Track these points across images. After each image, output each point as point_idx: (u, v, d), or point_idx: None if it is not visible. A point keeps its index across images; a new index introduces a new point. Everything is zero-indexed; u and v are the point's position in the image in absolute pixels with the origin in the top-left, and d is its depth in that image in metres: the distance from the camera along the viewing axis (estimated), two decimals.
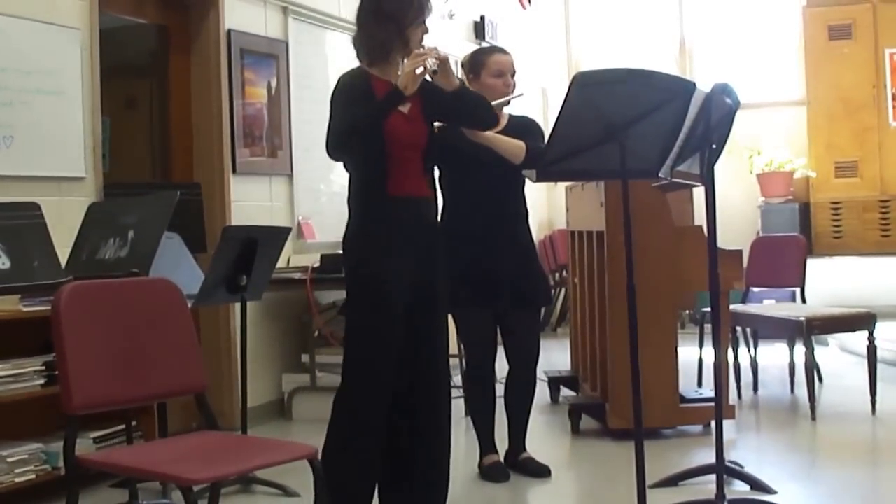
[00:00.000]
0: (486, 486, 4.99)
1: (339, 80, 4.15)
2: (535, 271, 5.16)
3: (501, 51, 5.22)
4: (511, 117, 5.13)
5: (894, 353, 7.77)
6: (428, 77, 3.98)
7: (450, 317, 4.43)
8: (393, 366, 4.00)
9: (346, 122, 3.97)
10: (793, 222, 10.36)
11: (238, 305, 4.96)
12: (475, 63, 5.12)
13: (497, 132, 4.82)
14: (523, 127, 5.03)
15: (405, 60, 4.01)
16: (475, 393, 5.17)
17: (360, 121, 3.93)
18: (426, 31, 4.13)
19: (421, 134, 4.10)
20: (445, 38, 4.37)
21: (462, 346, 5.35)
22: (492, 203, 4.98)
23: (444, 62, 3.97)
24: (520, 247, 5.08)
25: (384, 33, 4.03)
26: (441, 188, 4.97)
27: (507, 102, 5.06)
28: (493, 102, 4.77)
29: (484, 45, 9.53)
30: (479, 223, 4.96)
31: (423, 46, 4.04)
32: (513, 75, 5.09)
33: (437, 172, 4.61)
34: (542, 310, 5.91)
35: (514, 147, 4.83)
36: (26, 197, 4.69)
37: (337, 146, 4.00)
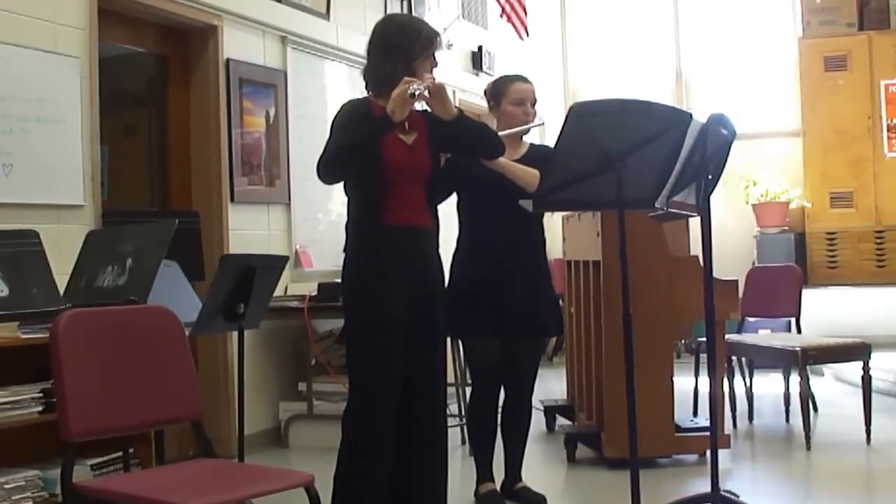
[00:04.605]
0: None
1: (342, 106, 4.19)
2: (547, 301, 5.14)
3: (523, 79, 5.18)
4: (531, 146, 5.14)
5: (889, 382, 7.79)
6: (422, 105, 4.00)
7: (448, 345, 4.44)
8: (395, 386, 4.02)
9: (336, 144, 4.00)
10: (788, 252, 10.38)
11: (236, 333, 4.97)
12: (496, 91, 5.13)
13: (516, 160, 4.83)
14: (543, 156, 4.94)
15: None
16: (478, 420, 5.16)
17: (346, 145, 3.96)
18: (434, 63, 4.16)
19: (423, 165, 4.12)
20: (443, 68, 4.39)
21: (468, 373, 5.36)
22: (509, 229, 4.97)
23: (438, 90, 3.98)
24: (534, 274, 5.05)
25: (391, 65, 4.06)
26: (458, 213, 5.01)
27: (527, 131, 5.07)
28: (511, 131, 4.81)
29: (482, 74, 9.60)
30: (495, 249, 4.95)
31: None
32: (533, 104, 5.10)
33: (455, 197, 4.62)
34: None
35: (529, 176, 4.79)
36: (25, 224, 4.70)
37: (325, 168, 4.02)
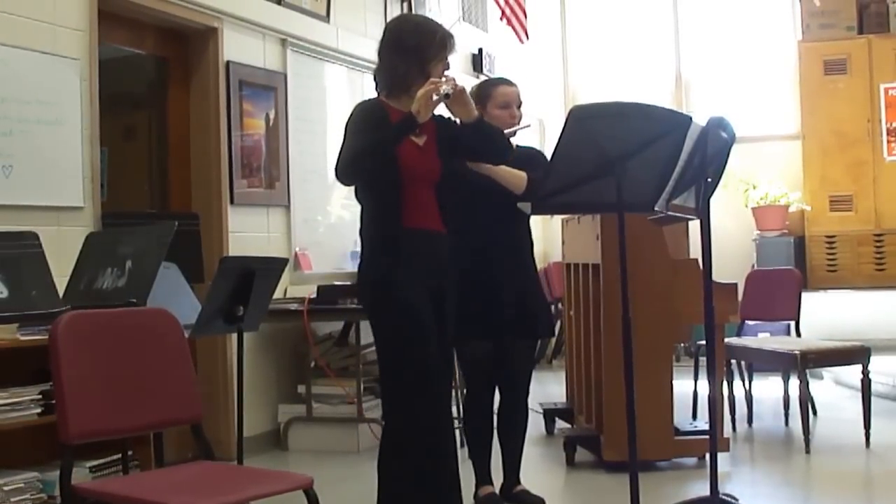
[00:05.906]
0: None
1: (355, 107, 4.18)
2: (537, 302, 5.14)
3: (507, 82, 5.20)
4: (517, 148, 5.14)
5: (888, 386, 7.79)
6: (443, 105, 4.01)
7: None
8: (441, 371, 4.05)
9: (358, 146, 3.98)
10: (788, 256, 10.38)
11: (235, 336, 4.97)
12: (481, 94, 5.13)
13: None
14: (529, 158, 5.01)
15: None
16: (474, 422, 5.15)
17: (372, 144, 3.95)
18: (447, 66, 4.15)
19: (434, 167, 4.13)
20: None
21: (462, 376, 5.36)
22: (496, 232, 4.98)
23: (461, 92, 3.99)
24: (523, 277, 5.06)
25: (405, 66, 4.06)
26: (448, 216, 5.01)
27: (513, 134, 5.08)
28: None
29: (482, 77, 9.59)
30: (483, 251, 4.95)
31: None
32: (519, 107, 5.11)
33: None
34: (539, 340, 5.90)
35: (516, 178, 4.82)
36: (25, 226, 4.70)
37: (347, 169, 4.00)
